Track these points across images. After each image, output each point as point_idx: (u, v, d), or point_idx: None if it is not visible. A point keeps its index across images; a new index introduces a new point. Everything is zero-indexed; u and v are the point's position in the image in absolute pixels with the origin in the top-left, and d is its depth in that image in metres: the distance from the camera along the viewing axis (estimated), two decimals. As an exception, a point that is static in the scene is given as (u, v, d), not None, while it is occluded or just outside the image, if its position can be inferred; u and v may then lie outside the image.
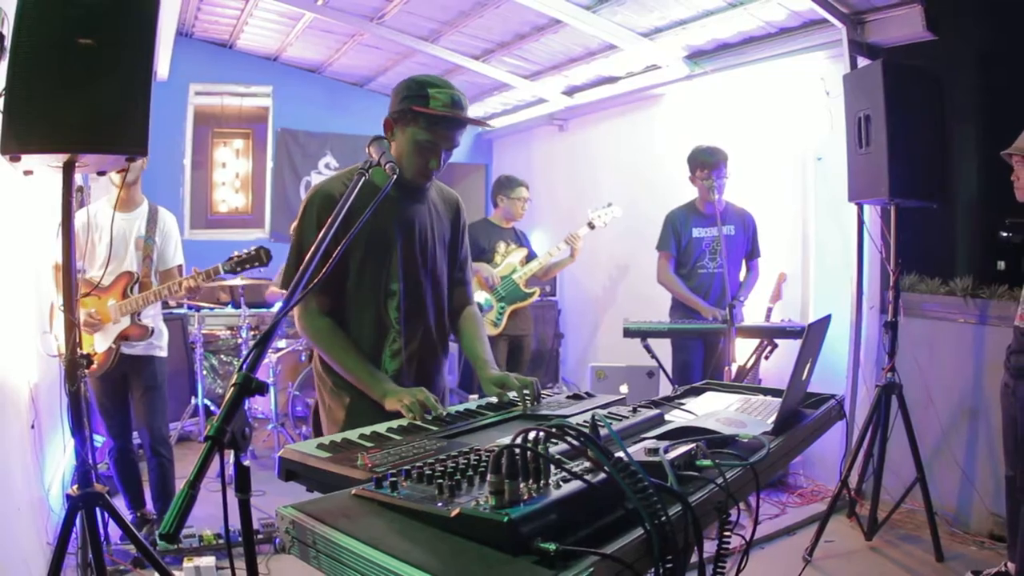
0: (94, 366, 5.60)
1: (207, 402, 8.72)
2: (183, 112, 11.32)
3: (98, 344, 5.74)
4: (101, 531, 3.88)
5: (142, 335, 5.91)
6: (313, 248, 2.39)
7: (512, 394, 3.24)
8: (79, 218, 5.56)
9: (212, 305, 9.73)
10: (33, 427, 4.97)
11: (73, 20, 3.33)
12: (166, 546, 5.26)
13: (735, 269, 7.06)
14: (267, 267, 6.09)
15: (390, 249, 3.47)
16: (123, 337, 5.82)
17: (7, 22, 3.55)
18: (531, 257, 7.99)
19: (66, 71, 3.33)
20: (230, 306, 9.73)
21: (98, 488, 3.68)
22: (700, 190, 7.07)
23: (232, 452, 1.85)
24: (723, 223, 6.75)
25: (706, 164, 6.88)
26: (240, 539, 2.03)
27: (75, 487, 3.65)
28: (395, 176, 2.89)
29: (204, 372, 8.91)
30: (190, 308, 9.14)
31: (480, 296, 7.51)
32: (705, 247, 7.09)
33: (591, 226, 7.76)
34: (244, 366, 1.91)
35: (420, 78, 3.41)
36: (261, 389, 1.88)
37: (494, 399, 3.29)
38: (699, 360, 7.03)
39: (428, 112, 3.29)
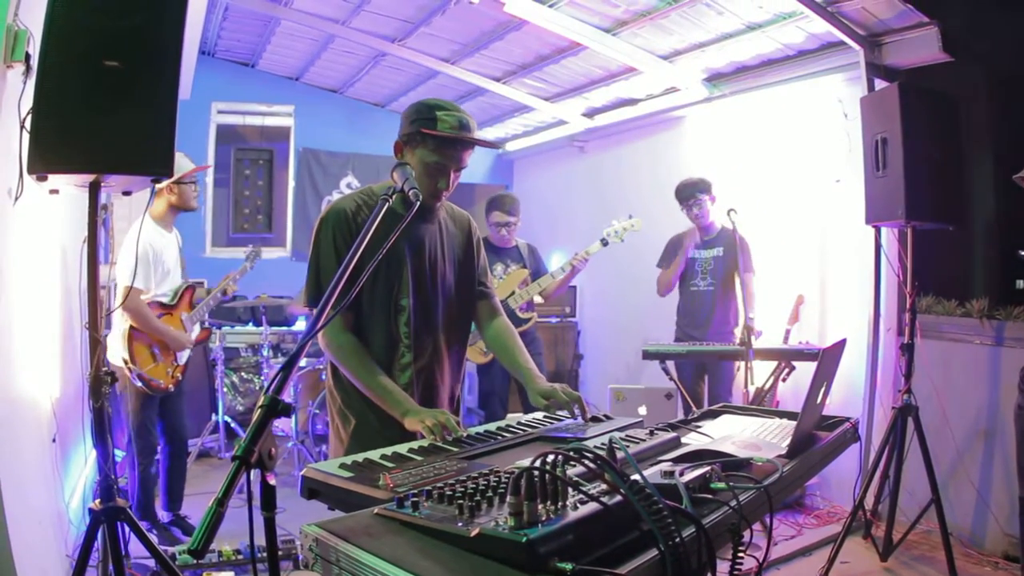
0: (178, 375, 6.25)
1: (227, 419, 8.78)
2: (205, 130, 11.37)
3: (181, 356, 6.29)
4: (122, 545, 3.92)
5: (209, 336, 6.82)
6: (340, 271, 2.44)
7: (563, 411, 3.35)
8: (141, 243, 5.79)
9: (232, 323, 9.79)
10: (55, 441, 5.02)
11: (100, 42, 3.34)
12: (187, 560, 5.30)
13: (725, 287, 7.32)
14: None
15: (401, 266, 3.54)
16: (197, 343, 6.51)
17: (34, 42, 3.60)
18: (537, 276, 7.63)
19: (92, 92, 3.34)
20: (251, 324, 9.79)
21: (120, 503, 3.71)
22: (691, 219, 7.45)
23: (259, 471, 1.89)
24: (713, 245, 7.24)
25: (683, 196, 7.34)
26: (258, 555, 2.06)
27: (97, 501, 3.68)
28: (418, 202, 2.94)
29: (225, 389, 8.96)
30: (212, 325, 9.21)
31: None
32: (697, 267, 7.43)
33: (603, 243, 7.43)
34: (271, 389, 1.95)
35: (429, 101, 3.51)
36: (287, 411, 1.92)
37: (514, 420, 3.34)
38: (700, 380, 7.26)
39: (436, 134, 3.39)
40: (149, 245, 5.88)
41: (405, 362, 3.60)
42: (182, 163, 6.15)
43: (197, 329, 6.51)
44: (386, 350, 3.57)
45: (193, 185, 6.31)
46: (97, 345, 3.70)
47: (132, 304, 5.60)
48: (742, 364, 6.47)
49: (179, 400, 6.53)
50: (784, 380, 6.79)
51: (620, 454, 2.08)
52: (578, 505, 1.81)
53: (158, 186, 5.22)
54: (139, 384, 5.91)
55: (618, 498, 1.83)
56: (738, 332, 6.78)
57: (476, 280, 3.94)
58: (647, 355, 6.75)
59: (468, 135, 3.47)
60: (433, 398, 3.68)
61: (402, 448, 2.82)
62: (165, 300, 6.21)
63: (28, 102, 3.40)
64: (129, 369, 5.85)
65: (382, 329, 3.56)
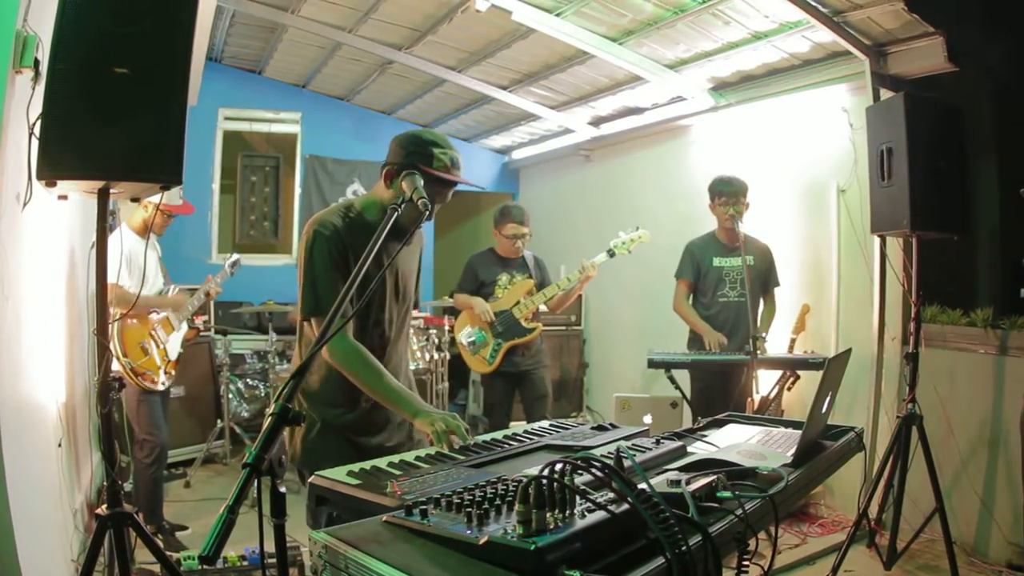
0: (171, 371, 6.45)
1: (232, 425, 8.78)
2: (212, 136, 11.38)
3: (172, 353, 6.46)
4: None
5: (197, 334, 7.03)
6: (350, 280, 2.53)
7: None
8: (135, 247, 5.90)
9: (238, 329, 9.82)
10: (60, 445, 5.02)
11: (109, 48, 3.35)
12: (192, 565, 5.31)
13: (757, 299, 7.00)
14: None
15: (382, 282, 3.72)
16: (186, 340, 6.70)
17: (43, 48, 3.61)
18: (543, 287, 7.42)
19: (101, 99, 3.35)
20: (256, 331, 9.82)
21: (126, 508, 3.72)
22: (719, 218, 7.07)
23: (269, 478, 1.91)
24: (741, 253, 6.69)
25: (724, 193, 6.93)
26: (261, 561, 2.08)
27: (104, 506, 3.69)
28: (427, 212, 3.04)
29: (230, 395, 8.97)
30: (218, 332, 9.23)
31: (471, 331, 7.26)
32: (726, 276, 7.09)
33: (610, 255, 7.24)
34: (281, 396, 1.97)
35: (424, 136, 3.65)
36: (298, 419, 1.95)
37: (520, 429, 3.37)
38: (718, 391, 7.03)
39: (431, 172, 3.50)
40: (127, 249, 5.91)
41: None
42: (172, 196, 6.23)
43: (184, 327, 6.68)
44: None
45: (170, 219, 6.51)
46: (105, 351, 3.72)
47: (114, 296, 5.62)
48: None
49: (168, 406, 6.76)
50: (789, 389, 6.77)
51: (627, 463, 2.10)
52: (586, 513, 1.83)
53: (148, 198, 5.19)
54: (134, 378, 5.95)
55: (625, 506, 1.84)
56: (763, 345, 6.66)
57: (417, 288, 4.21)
58: (652, 364, 6.69)
59: (459, 176, 3.64)
60: None
61: (409, 456, 2.86)
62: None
63: (37, 108, 3.40)
64: (121, 364, 5.89)
65: (361, 340, 3.66)
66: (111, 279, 5.55)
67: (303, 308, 3.61)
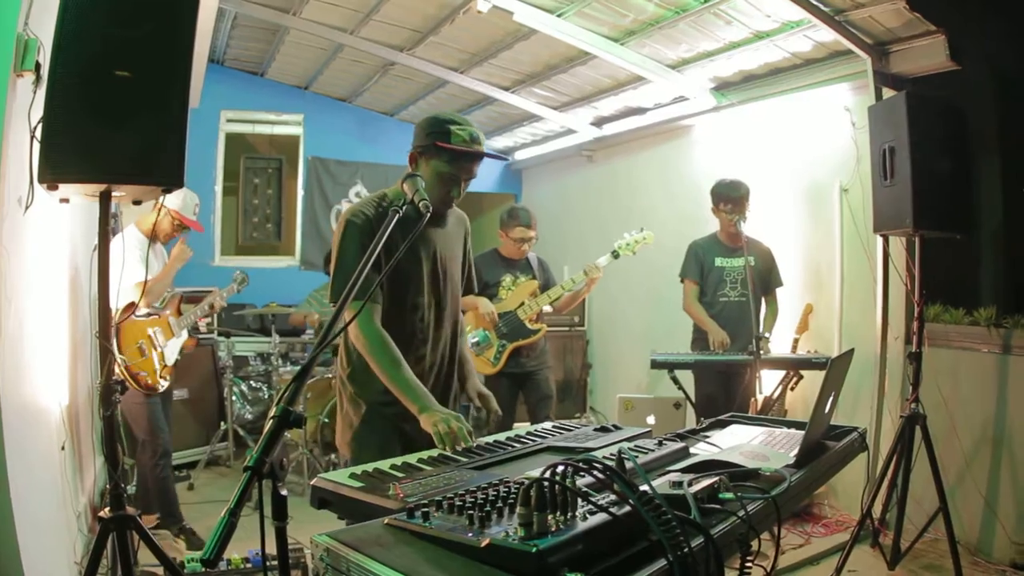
0: (167, 375, 6.38)
1: (236, 427, 8.78)
2: (214, 139, 11.37)
3: (169, 358, 6.38)
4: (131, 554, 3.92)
5: (195, 344, 7.04)
6: (357, 271, 2.61)
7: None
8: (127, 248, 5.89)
9: (241, 331, 9.81)
10: (63, 448, 5.02)
11: (110, 51, 3.35)
12: (195, 567, 5.29)
13: (758, 299, 6.96)
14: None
15: (418, 268, 3.82)
16: (184, 349, 6.65)
17: (44, 52, 3.60)
18: (547, 288, 7.37)
19: (103, 102, 3.35)
20: (259, 333, 9.83)
21: (129, 511, 3.72)
22: (722, 222, 7.08)
23: (271, 481, 1.91)
24: (742, 253, 6.74)
25: (730, 200, 6.91)
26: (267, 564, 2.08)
27: (107, 509, 3.69)
28: (428, 213, 3.11)
29: (234, 397, 8.96)
30: (221, 334, 9.23)
31: (475, 332, 7.14)
32: (727, 277, 7.10)
33: (615, 255, 7.13)
34: (282, 399, 1.97)
35: (443, 116, 3.79)
36: (299, 422, 1.95)
37: (523, 431, 3.41)
38: (722, 391, 7.00)
39: (450, 147, 3.64)
40: (134, 247, 5.88)
41: (421, 354, 3.87)
42: (188, 203, 6.23)
43: (184, 334, 6.63)
44: (403, 344, 3.74)
45: (179, 232, 6.49)
46: (107, 354, 3.72)
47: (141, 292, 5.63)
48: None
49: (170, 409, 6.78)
50: (792, 389, 6.76)
51: (629, 464, 2.09)
52: (587, 515, 1.83)
53: (162, 199, 5.17)
54: (128, 377, 5.91)
55: (627, 508, 1.84)
56: (766, 344, 6.63)
57: (466, 275, 4.29)
58: (655, 364, 6.68)
59: (479, 148, 3.72)
60: (446, 385, 4.01)
61: (412, 458, 2.87)
62: (155, 304, 6.40)
63: (38, 112, 3.40)
64: (116, 362, 5.84)
65: (400, 325, 3.77)
66: (136, 279, 5.55)
67: (332, 295, 3.76)
